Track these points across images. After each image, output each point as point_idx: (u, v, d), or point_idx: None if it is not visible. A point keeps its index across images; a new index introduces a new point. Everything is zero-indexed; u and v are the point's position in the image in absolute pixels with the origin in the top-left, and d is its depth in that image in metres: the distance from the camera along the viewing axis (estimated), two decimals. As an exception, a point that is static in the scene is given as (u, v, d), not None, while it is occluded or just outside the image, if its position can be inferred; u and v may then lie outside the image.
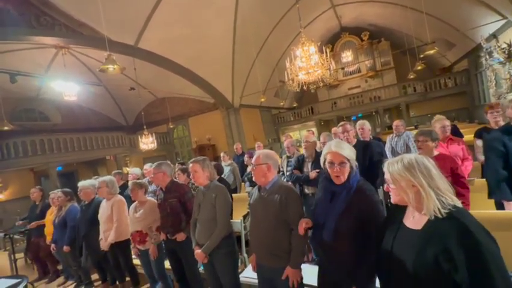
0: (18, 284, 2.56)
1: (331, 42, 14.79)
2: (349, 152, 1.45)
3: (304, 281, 1.71)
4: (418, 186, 0.96)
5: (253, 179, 1.78)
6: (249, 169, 1.85)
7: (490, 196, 2.00)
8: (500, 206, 2.02)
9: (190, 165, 2.20)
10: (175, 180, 2.76)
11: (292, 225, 1.63)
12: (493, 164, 1.97)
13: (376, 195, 1.48)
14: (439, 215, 0.93)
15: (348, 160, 1.43)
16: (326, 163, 1.48)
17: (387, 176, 1.07)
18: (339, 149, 1.44)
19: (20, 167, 8.65)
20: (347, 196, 1.41)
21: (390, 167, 1.04)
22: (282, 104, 12.24)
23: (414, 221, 1.04)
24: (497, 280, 0.81)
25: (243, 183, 5.21)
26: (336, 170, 1.43)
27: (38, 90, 10.68)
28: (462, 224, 0.88)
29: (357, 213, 1.37)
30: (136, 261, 3.06)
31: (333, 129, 4.12)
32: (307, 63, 5.24)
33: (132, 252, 2.88)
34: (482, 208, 2.03)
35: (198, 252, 2.07)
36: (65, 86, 7.58)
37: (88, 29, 6.40)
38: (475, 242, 0.84)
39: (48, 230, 3.73)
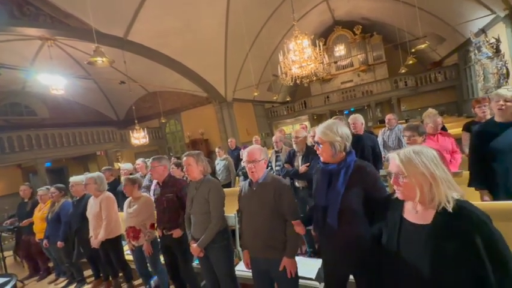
0: (7, 282, 2.50)
1: (324, 36, 14.74)
2: (330, 133, 1.44)
3: (299, 274, 1.74)
4: (431, 177, 0.91)
5: (251, 175, 1.76)
6: (243, 164, 1.84)
7: (469, 184, 2.09)
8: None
9: (184, 158, 2.17)
10: (173, 175, 2.73)
11: (287, 216, 1.68)
12: (477, 155, 2.04)
13: (376, 171, 1.47)
14: (449, 208, 0.89)
15: (330, 142, 1.43)
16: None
17: (395, 168, 0.97)
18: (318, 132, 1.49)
19: (7, 163, 8.38)
20: (345, 175, 1.40)
21: (403, 158, 0.95)
22: (275, 98, 12.21)
23: (418, 215, 0.97)
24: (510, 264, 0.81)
25: (237, 177, 5.22)
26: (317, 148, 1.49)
27: (24, 84, 10.30)
28: (476, 215, 0.86)
29: (361, 191, 1.36)
30: (129, 256, 3.04)
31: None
32: (300, 57, 5.22)
33: (127, 247, 2.86)
34: (470, 200, 2.09)
35: (193, 246, 2.07)
36: (51, 79, 7.32)
37: (75, 20, 6.17)
38: (490, 231, 0.83)
39: (37, 228, 3.66)
